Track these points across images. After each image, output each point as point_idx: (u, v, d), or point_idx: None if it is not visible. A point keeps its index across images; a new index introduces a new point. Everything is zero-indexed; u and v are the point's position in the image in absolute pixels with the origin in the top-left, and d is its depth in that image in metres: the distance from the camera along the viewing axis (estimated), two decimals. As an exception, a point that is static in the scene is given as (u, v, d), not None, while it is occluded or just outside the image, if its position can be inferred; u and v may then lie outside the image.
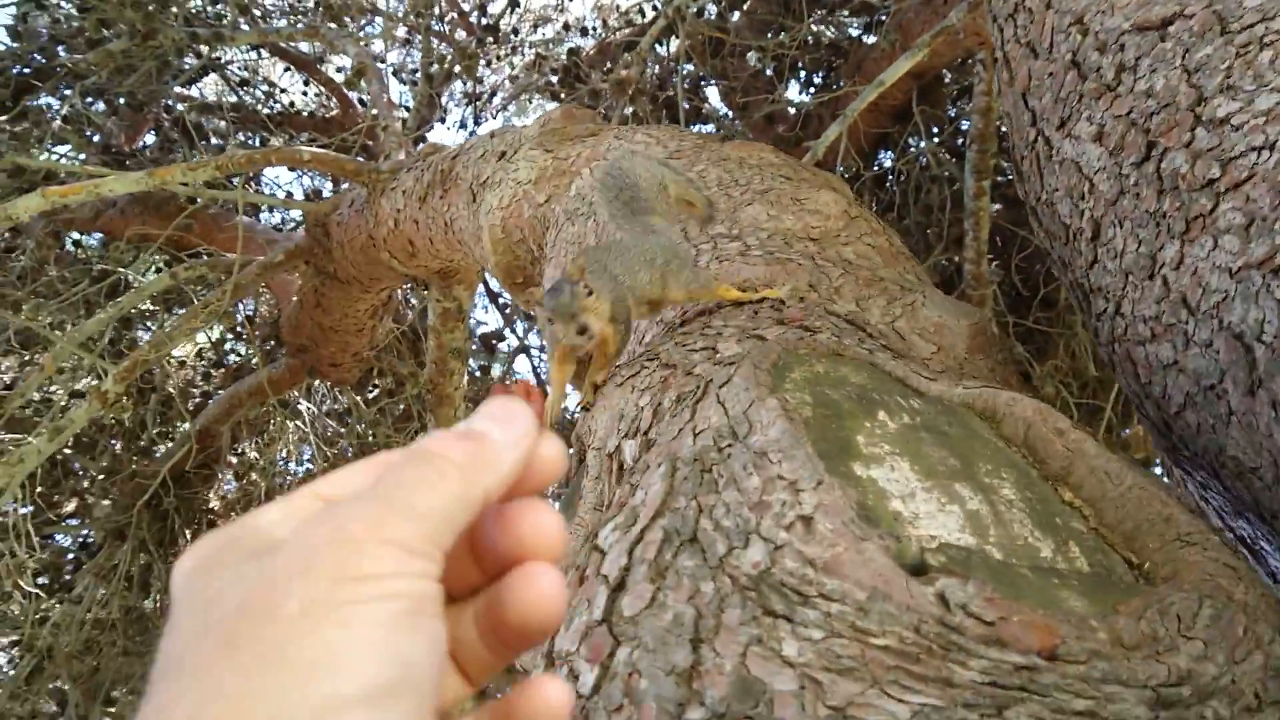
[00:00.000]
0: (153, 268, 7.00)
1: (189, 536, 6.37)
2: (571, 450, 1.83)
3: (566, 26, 8.37)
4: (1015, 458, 1.28)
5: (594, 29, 8.57)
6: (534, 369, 8.08)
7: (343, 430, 7.00)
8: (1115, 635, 0.93)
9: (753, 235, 2.41)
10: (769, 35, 7.18)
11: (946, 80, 7.39)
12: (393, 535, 0.47)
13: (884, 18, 6.66)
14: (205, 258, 6.06)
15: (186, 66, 6.89)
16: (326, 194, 7.40)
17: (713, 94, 8.36)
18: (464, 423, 0.57)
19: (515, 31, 8.34)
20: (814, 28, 7.38)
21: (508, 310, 8.09)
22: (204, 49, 6.68)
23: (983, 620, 0.91)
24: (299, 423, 6.87)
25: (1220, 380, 1.34)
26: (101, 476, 6.49)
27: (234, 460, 6.80)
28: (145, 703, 0.45)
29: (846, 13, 7.58)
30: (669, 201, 2.25)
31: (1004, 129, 6.42)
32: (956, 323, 2.03)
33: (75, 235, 6.97)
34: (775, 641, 0.91)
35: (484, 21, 8.15)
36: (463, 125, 8.56)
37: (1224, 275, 1.34)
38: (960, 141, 7.23)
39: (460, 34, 8.36)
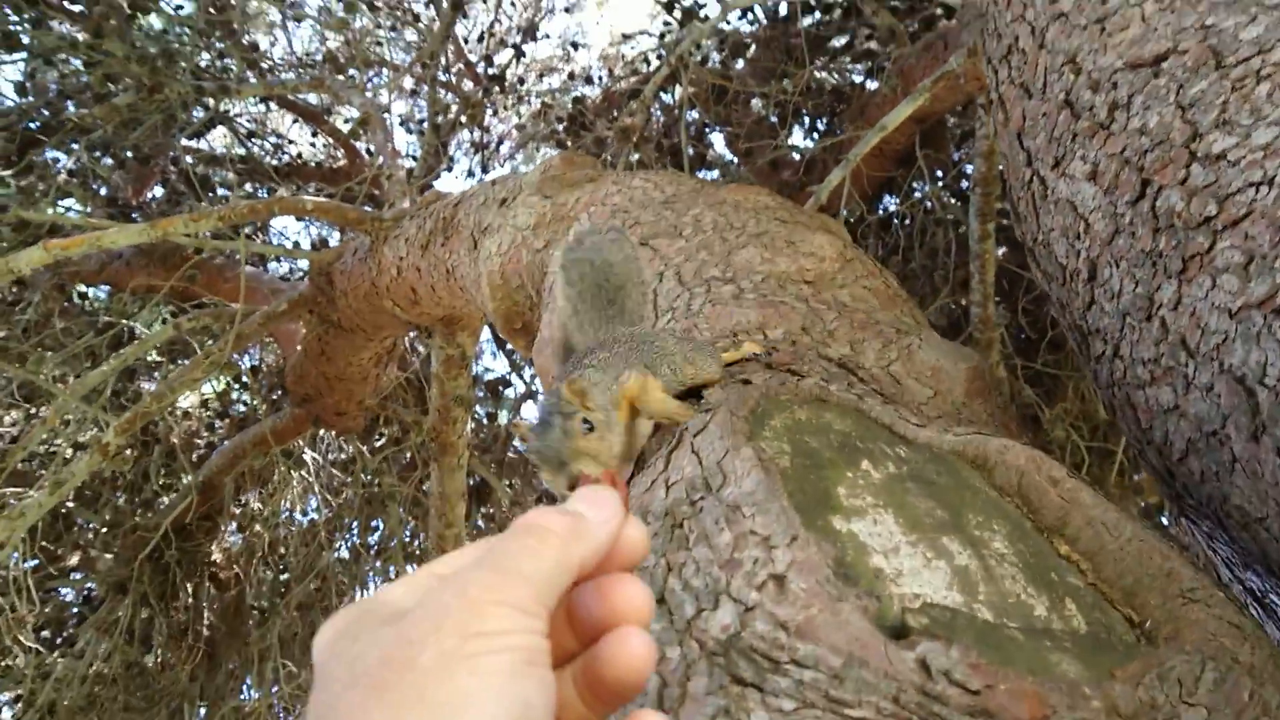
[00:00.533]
0: (159, 319, 7.00)
1: (190, 590, 6.31)
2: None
3: (572, 76, 8.43)
4: (1008, 508, 1.21)
5: (599, 78, 8.64)
6: (540, 416, 8.01)
7: (348, 480, 6.95)
8: (1111, 704, 0.87)
9: (746, 278, 2.37)
10: (772, 82, 7.21)
11: (949, 124, 7.39)
12: (507, 598, 0.56)
13: (886, 64, 6.67)
14: (210, 308, 6.05)
15: (194, 119, 6.94)
16: (334, 244, 7.41)
17: (717, 140, 8.39)
18: (561, 505, 0.65)
19: (521, 81, 8.40)
20: (816, 74, 7.40)
21: (515, 357, 8.06)
22: (211, 102, 6.74)
23: (967, 689, 0.85)
24: (304, 473, 6.82)
25: (1223, 426, 1.27)
26: (104, 530, 6.44)
27: (237, 511, 6.74)
28: None
29: (849, 59, 7.61)
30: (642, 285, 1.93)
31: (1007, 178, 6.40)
32: (954, 366, 1.97)
33: (81, 288, 6.99)
34: (743, 713, 0.85)
35: (490, 71, 8.21)
36: (470, 174, 8.60)
37: (1223, 316, 1.29)
38: (964, 185, 7.22)
39: (467, 84, 8.42)
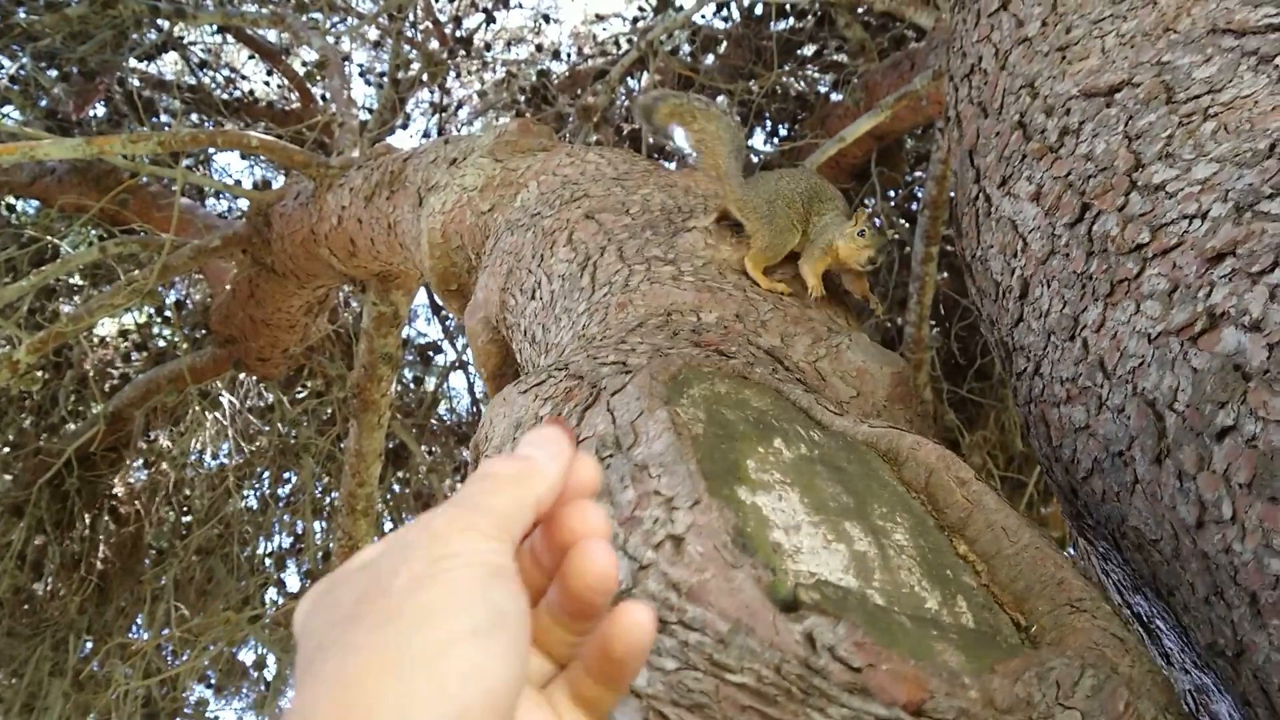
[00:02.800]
0: (86, 241, 6.79)
1: (87, 521, 6.13)
2: (468, 456, 1.77)
3: (540, 48, 8.35)
4: (913, 503, 1.22)
5: (568, 55, 8.57)
6: (469, 386, 7.95)
7: (264, 427, 6.81)
8: (988, 695, 0.87)
9: (688, 261, 2.36)
10: (739, 81, 7.22)
11: (906, 146, 7.48)
12: (470, 524, 0.59)
13: (852, 77, 6.72)
14: (140, 236, 5.88)
15: (146, 40, 6.74)
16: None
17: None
18: (515, 449, 0.69)
19: (488, 47, 8.30)
20: (783, 78, 7.43)
21: (448, 324, 7.97)
22: (165, 24, 6.55)
23: (849, 665, 0.85)
24: (218, 415, 6.66)
25: (1129, 447, 1.30)
26: (5, 450, 6.24)
27: (144, 446, 6.57)
28: (290, 706, 0.52)
29: (817, 68, 7.65)
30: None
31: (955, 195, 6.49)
32: (879, 369, 1.99)
33: (9, 200, 6.76)
34: (624, 667, 0.84)
35: (458, 33, 8.10)
36: (426, 135, 8.48)
37: (1143, 340, 1.31)
38: (914, 207, 7.31)
39: (433, 44, 8.29)
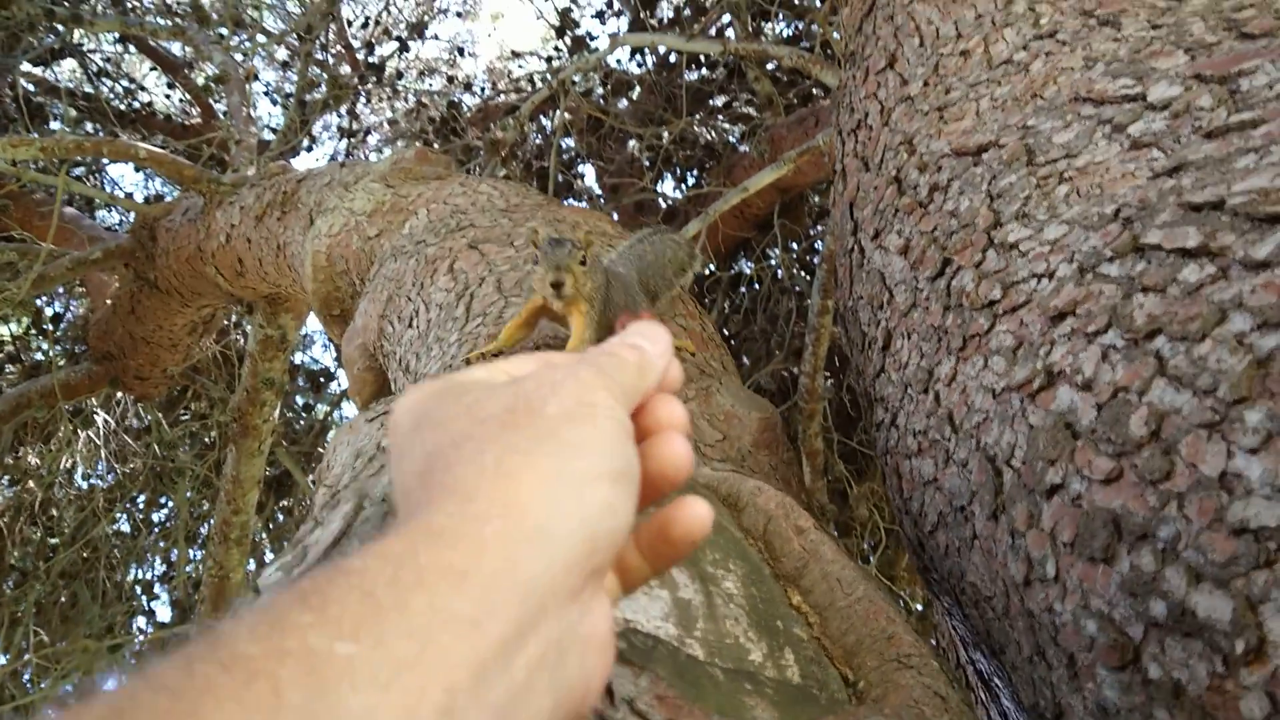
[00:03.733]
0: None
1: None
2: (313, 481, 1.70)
3: (452, 80, 8.30)
4: (749, 551, 1.19)
5: (481, 89, 8.54)
6: (361, 417, 7.74)
7: (141, 449, 6.53)
8: (792, 753, 0.84)
9: (566, 298, 2.33)
10: (649, 126, 7.26)
11: (810, 200, 7.60)
12: (608, 386, 0.64)
13: (759, 129, 6.82)
14: (18, 244, 5.63)
15: (43, 44, 6.50)
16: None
17: (590, 173, 8.38)
18: (623, 336, 0.73)
19: (400, 75, 8.22)
20: (693, 126, 7.50)
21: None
22: (62, 29, 6.33)
23: None
24: (92, 433, 6.37)
25: (969, 502, 1.29)
26: None
27: (11, 463, 6.24)
28: (440, 475, 0.55)
29: (726, 118, 7.75)
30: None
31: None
32: (747, 414, 1.97)
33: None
34: None
35: (370, 60, 8.01)
36: (333, 159, 8.34)
37: (988, 396, 1.31)
38: (814, 259, 7.41)
39: (345, 68, 8.18)
